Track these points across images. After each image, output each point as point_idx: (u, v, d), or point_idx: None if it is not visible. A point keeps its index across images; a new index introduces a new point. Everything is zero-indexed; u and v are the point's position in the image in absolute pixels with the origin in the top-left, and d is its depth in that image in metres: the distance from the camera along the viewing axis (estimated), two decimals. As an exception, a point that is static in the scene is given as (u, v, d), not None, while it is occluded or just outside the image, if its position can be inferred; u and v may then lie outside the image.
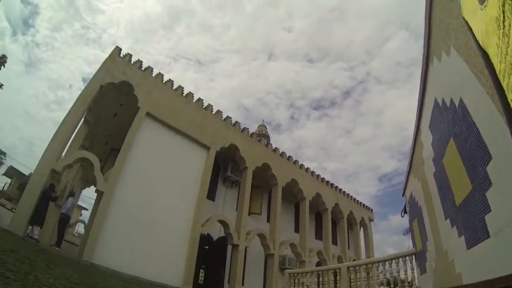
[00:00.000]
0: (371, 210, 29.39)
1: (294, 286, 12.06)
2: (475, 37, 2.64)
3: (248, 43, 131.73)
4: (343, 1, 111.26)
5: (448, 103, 4.07)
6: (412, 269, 8.63)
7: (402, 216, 10.38)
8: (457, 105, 3.62)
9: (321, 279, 11.36)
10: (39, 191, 11.11)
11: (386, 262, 9.31)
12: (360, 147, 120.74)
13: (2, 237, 8.03)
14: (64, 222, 12.57)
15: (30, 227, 11.09)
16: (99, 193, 12.28)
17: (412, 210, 8.82)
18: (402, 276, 8.85)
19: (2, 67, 18.63)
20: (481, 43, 2.50)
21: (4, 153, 41.66)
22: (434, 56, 5.03)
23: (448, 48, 3.94)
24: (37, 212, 11.09)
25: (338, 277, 10.74)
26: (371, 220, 28.89)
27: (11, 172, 36.37)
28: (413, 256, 8.69)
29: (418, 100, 6.74)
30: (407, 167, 9.17)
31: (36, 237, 11.05)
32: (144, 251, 12.51)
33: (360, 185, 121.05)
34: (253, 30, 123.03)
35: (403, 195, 10.40)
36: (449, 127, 4.13)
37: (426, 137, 6.24)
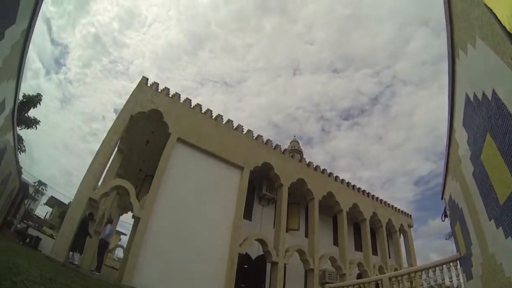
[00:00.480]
0: (410, 216, 28.44)
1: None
2: (500, 23, 2.59)
3: (272, 60, 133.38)
4: (358, 7, 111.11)
5: (480, 97, 3.96)
6: (458, 276, 8.27)
7: (443, 220, 10.08)
8: (490, 97, 3.51)
9: None
10: (78, 219, 11.55)
11: (430, 270, 8.99)
12: (394, 152, 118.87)
13: (43, 264, 8.28)
14: (103, 247, 12.96)
15: (70, 253, 11.55)
16: (136, 219, 12.59)
17: (453, 213, 8.54)
18: (447, 283, 8.45)
19: (38, 105, 19.81)
20: (508, 28, 2.45)
21: (45, 184, 44.07)
22: (459, 50, 4.92)
23: (473, 39, 3.84)
24: (76, 239, 11.55)
25: (380, 289, 10.52)
26: (410, 226, 27.87)
27: (52, 202, 38.12)
28: (458, 261, 8.37)
29: (448, 97, 6.60)
30: (443, 169, 8.93)
31: (76, 263, 11.57)
32: (183, 273, 12.64)
33: (396, 191, 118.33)
34: (275, 47, 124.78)
35: (442, 198, 10.11)
36: (484, 122, 4.02)
37: (461, 135, 6.09)
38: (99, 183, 13.18)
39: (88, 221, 12.62)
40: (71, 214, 11.65)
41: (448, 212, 9.45)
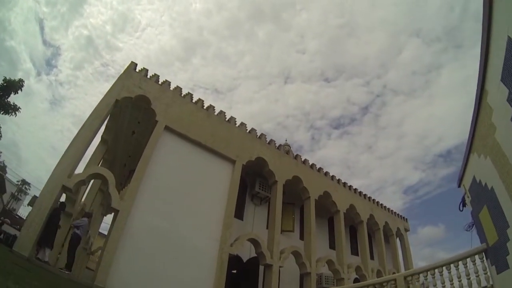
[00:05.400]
0: (406, 219, 27.53)
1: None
2: None
3: (264, 68, 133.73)
4: (351, 17, 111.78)
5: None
6: (485, 269, 7.22)
7: (461, 210, 9.08)
8: None
9: None
10: (48, 209, 10.07)
11: (451, 265, 7.81)
12: (383, 161, 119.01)
13: (4, 258, 7.14)
14: (75, 242, 11.56)
15: (39, 248, 10.20)
16: (114, 212, 11.20)
17: (478, 197, 7.52)
18: (473, 278, 7.38)
19: (20, 91, 18.46)
20: None
21: (28, 184, 42.93)
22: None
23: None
24: (45, 233, 10.09)
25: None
26: (407, 230, 26.94)
27: (35, 202, 37.10)
28: (484, 253, 7.35)
29: (481, 52, 5.65)
30: (465, 150, 7.96)
31: (46, 259, 10.09)
32: (166, 275, 11.25)
33: (386, 200, 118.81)
34: (268, 55, 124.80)
35: (459, 186, 9.13)
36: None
37: (497, 94, 5.15)
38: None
39: (60, 212, 11.18)
40: (41, 203, 10.10)
41: (468, 199, 8.46)
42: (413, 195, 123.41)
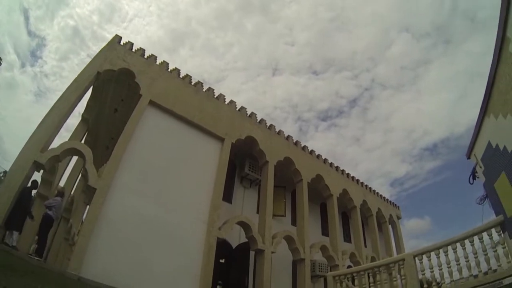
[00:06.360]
0: (398, 207, 27.27)
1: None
2: None
3: (251, 60, 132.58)
4: (342, 11, 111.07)
5: None
6: (503, 244, 6.45)
7: (471, 183, 8.38)
8: None
9: (377, 277, 9.08)
10: (17, 187, 8.95)
11: (466, 241, 6.98)
12: (371, 154, 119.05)
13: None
14: (47, 224, 10.45)
15: (7, 232, 9.15)
16: (91, 191, 10.10)
17: (493, 165, 6.81)
18: (491, 255, 6.60)
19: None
20: None
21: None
22: None
23: None
24: (15, 214, 9.01)
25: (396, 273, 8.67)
26: (399, 217, 26.64)
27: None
28: (500, 226, 6.64)
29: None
30: (478, 116, 7.26)
31: (14, 244, 9.00)
32: (147, 261, 10.16)
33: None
34: (256, 47, 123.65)
35: (468, 158, 8.44)
36: None
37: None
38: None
39: (31, 192, 10.09)
40: (9, 181, 9.04)
41: (481, 170, 7.77)
42: (400, 188, 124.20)
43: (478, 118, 7.29)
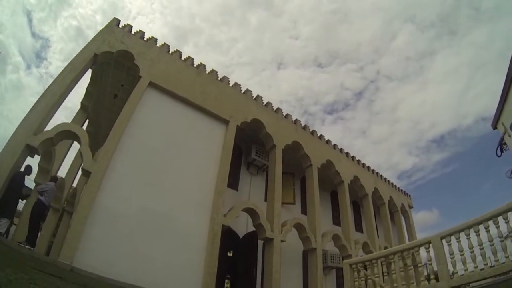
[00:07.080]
0: (410, 196, 26.37)
1: (359, 280, 9.17)
2: None
3: (256, 54, 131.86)
4: (344, 3, 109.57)
5: None
6: None
7: (499, 156, 7.60)
8: None
9: (399, 264, 8.22)
10: (8, 171, 8.36)
11: (500, 218, 6.09)
12: (377, 146, 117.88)
13: None
14: (38, 211, 9.62)
15: None
16: (86, 174, 9.54)
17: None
18: None
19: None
20: None
21: None
22: None
23: None
24: (5, 200, 8.39)
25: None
26: (410, 207, 25.79)
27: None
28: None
29: None
30: (504, 83, 6.51)
31: (2, 231, 8.35)
32: (146, 251, 9.44)
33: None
34: (260, 41, 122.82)
35: (494, 128, 7.65)
36: None
37: None
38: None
39: (24, 177, 9.39)
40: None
41: (510, 139, 7.01)
42: (407, 180, 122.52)
43: (504, 85, 6.53)
